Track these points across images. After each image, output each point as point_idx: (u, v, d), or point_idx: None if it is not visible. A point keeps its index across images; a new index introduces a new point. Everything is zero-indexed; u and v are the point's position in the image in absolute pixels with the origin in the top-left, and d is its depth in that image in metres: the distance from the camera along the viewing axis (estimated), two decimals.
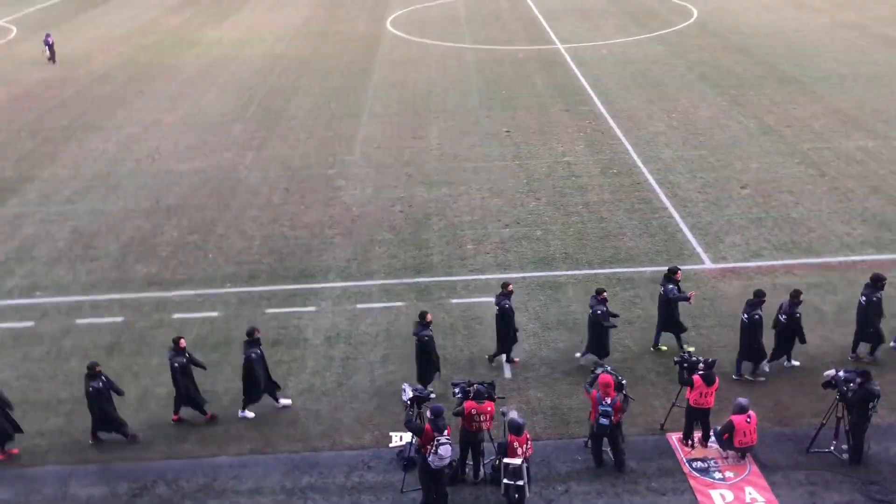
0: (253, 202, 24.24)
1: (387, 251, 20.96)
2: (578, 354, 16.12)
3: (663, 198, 23.09)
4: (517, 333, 15.96)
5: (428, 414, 12.48)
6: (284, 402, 15.22)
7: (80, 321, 18.34)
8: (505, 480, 12.31)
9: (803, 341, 15.33)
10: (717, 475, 13.13)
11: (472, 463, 13.29)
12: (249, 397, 14.91)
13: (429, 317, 15.12)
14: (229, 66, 39.98)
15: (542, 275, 19.43)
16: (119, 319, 18.34)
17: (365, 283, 19.46)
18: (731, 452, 13.32)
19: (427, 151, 27.64)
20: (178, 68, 40.07)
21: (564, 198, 23.48)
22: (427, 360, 15.02)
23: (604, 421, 12.76)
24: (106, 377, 14.31)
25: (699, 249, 20.20)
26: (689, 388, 13.39)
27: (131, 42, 46.11)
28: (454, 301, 18.46)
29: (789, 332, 15.17)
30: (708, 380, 13.27)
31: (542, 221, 22.13)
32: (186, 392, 14.71)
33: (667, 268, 16.41)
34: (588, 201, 23.17)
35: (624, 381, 13.15)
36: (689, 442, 13.73)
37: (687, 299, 15.72)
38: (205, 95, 35.36)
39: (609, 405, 12.74)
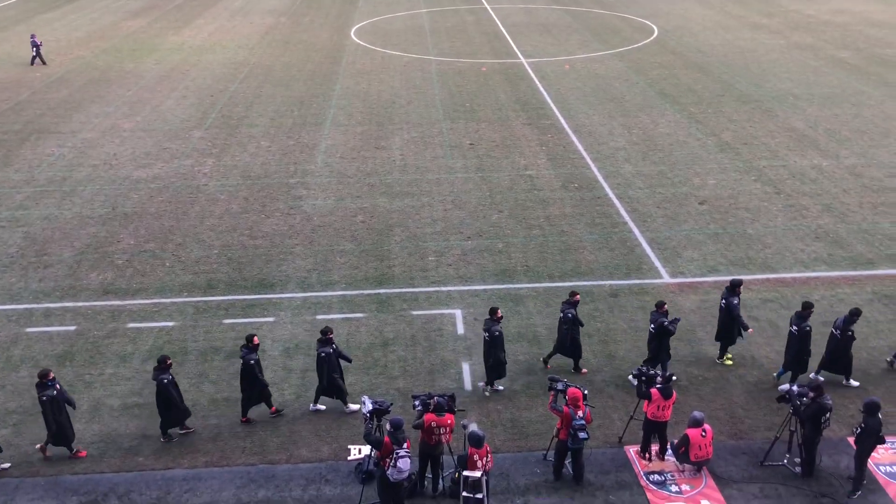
0: (212, 210, 23.93)
1: (348, 262, 20.84)
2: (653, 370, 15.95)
3: (623, 212, 23.36)
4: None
5: (387, 426, 12.39)
6: (319, 406, 15.25)
7: (30, 329, 17.87)
8: (464, 493, 12.26)
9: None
10: (674, 488, 13.25)
11: (431, 476, 13.23)
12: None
13: (499, 313, 15.50)
14: (190, 73, 39.53)
15: (503, 287, 19.49)
16: (72, 328, 17.92)
17: (325, 294, 19.31)
18: (687, 466, 13.46)
19: (390, 162, 27.60)
20: (138, 74, 39.48)
21: (526, 211, 23.62)
22: (498, 355, 15.33)
23: (582, 435, 12.82)
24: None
25: (657, 264, 20.46)
26: (646, 401, 13.52)
27: (90, 46, 45.36)
28: (415, 313, 18.41)
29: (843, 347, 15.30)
30: (665, 393, 13.40)
31: (503, 234, 22.22)
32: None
33: (730, 280, 16.48)
34: (549, 215, 23.34)
35: (587, 393, 13.22)
36: (647, 455, 13.85)
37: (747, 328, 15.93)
38: (164, 101, 34.89)
39: (582, 418, 12.81)
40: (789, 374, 15.58)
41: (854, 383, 15.56)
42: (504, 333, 15.54)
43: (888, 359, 16.17)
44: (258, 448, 14.28)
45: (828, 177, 25.58)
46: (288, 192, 25.18)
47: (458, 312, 18.41)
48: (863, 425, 12.65)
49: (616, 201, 24.11)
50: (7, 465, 13.85)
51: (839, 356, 15.41)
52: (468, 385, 15.90)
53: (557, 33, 47.82)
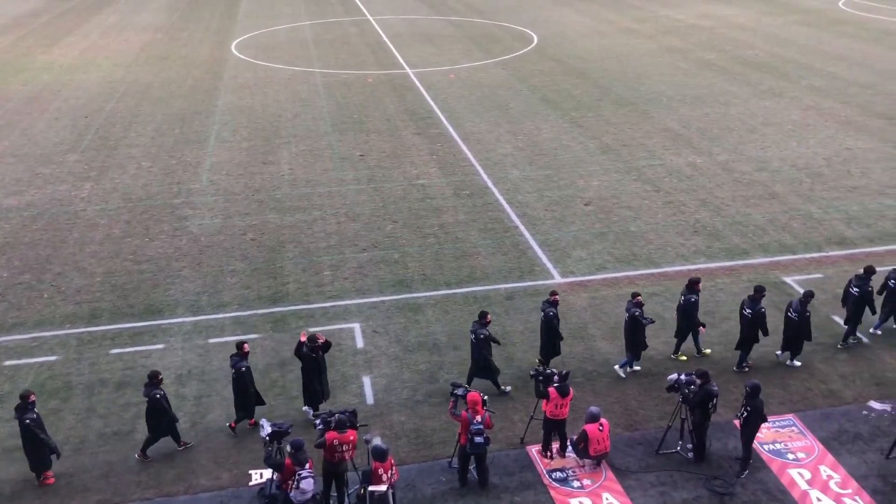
0: (92, 236, 22.86)
1: (239, 281, 20.34)
2: (618, 367, 16.46)
3: (513, 217, 23.84)
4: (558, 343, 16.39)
5: (288, 448, 12.17)
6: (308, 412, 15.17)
7: None
8: None
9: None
10: (576, 484, 13.59)
11: (336, 494, 13.05)
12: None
13: (489, 317, 15.80)
14: (62, 93, 37.67)
15: (401, 297, 19.50)
16: None
17: (217, 317, 18.77)
18: (587, 461, 13.84)
19: (279, 177, 27.15)
20: (4, 95, 37.30)
21: (420, 220, 23.74)
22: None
23: (478, 439, 12.92)
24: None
25: (549, 265, 20.98)
26: (545, 400, 13.82)
27: None
28: (312, 329, 18.10)
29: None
30: (563, 391, 13.74)
31: (399, 244, 22.25)
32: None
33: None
34: (443, 222, 23.54)
35: (486, 398, 13.37)
36: (548, 453, 14.15)
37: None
38: (35, 124, 33.11)
39: (481, 423, 12.93)
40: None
41: (797, 363, 16.53)
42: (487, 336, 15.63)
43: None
44: (153, 481, 13.71)
45: (702, 173, 26.94)
46: (172, 213, 24.36)
47: (356, 326, 18.29)
48: (748, 408, 13.36)
49: (506, 206, 24.58)
50: None
51: (799, 336, 16.24)
52: (370, 399, 15.81)
53: (440, 43, 48.38)
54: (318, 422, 12.87)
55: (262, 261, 21.40)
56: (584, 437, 13.49)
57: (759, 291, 16.28)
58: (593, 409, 13.67)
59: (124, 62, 44.01)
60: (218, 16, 59.47)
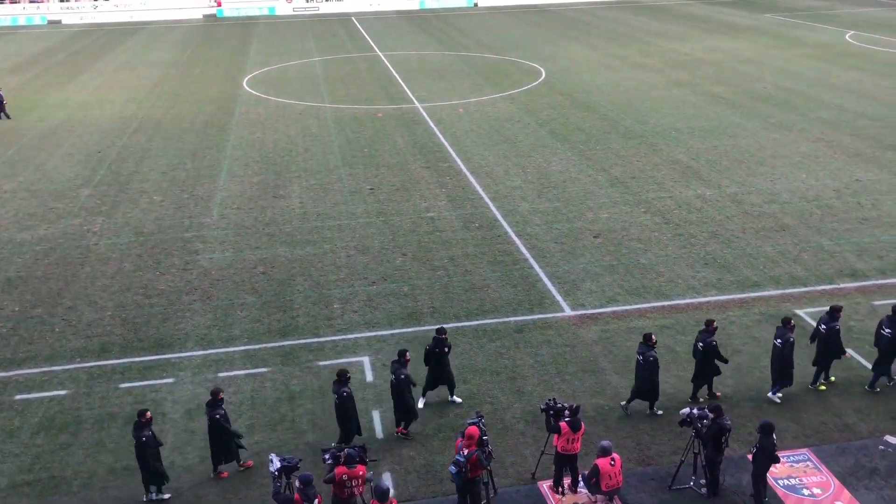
0: (103, 270, 22.99)
1: (249, 315, 20.36)
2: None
3: (523, 249, 23.85)
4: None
5: (297, 483, 12.07)
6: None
7: None
8: None
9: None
10: None
11: None
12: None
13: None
14: (76, 129, 38.17)
15: (411, 330, 19.45)
16: None
17: (227, 350, 18.77)
18: (599, 496, 13.65)
19: (289, 210, 27.31)
20: (18, 132, 37.83)
21: (430, 253, 23.78)
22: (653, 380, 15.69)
23: (451, 469, 12.84)
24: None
25: (559, 297, 20.92)
26: (556, 434, 13.69)
27: None
28: (322, 363, 18.11)
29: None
30: (574, 426, 13.61)
31: (408, 277, 22.26)
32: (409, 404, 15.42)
33: (829, 307, 16.81)
34: (453, 255, 23.57)
35: (486, 438, 13.14)
36: (560, 489, 13.98)
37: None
38: (49, 160, 33.51)
39: (464, 457, 12.79)
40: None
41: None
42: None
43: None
44: None
45: (712, 205, 26.92)
46: (183, 247, 24.50)
47: (365, 359, 18.24)
48: (758, 445, 13.20)
49: (516, 238, 24.60)
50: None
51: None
52: (380, 433, 15.70)
53: (450, 78, 48.86)
54: (327, 456, 12.78)
55: (271, 294, 21.44)
56: (595, 471, 13.32)
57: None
58: (605, 443, 13.50)
59: (137, 98, 44.62)
60: (230, 52, 60.35)
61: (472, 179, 30.03)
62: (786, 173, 29.76)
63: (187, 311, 20.59)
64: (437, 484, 14.25)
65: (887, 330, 16.26)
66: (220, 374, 17.69)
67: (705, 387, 16.49)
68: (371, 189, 29.25)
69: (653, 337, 15.82)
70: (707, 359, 16.07)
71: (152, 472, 13.86)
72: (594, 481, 13.38)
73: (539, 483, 14.21)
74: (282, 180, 30.44)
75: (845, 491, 13.79)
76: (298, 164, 32.27)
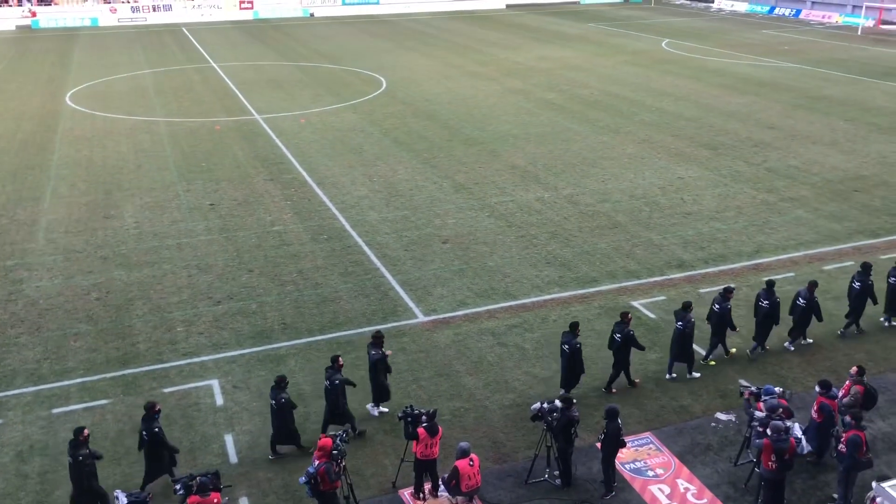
0: None
1: (84, 345, 19.06)
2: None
3: (374, 258, 23.84)
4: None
5: None
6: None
7: None
8: None
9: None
10: None
11: None
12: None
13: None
14: None
15: (262, 349, 18.93)
16: None
17: (61, 384, 17.46)
18: (459, 498, 13.84)
19: (123, 231, 25.84)
20: None
21: (277, 267, 23.25)
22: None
23: (300, 479, 12.87)
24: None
25: (411, 304, 21.07)
26: (415, 441, 13.76)
27: None
28: (167, 390, 17.24)
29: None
30: (431, 430, 13.74)
31: (256, 294, 21.66)
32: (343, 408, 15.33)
33: (722, 288, 18.35)
34: (302, 269, 23.17)
35: (335, 451, 12.93)
36: (421, 495, 14.06)
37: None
38: None
39: (313, 469, 12.70)
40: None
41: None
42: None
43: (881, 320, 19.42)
44: None
45: (550, 207, 28.09)
46: (6, 277, 22.59)
47: (214, 382, 17.55)
48: (605, 431, 13.89)
49: (366, 248, 24.56)
50: None
51: (805, 321, 18.47)
52: (233, 458, 15.15)
53: (289, 88, 48.10)
54: (178, 486, 12.18)
55: (108, 321, 20.18)
56: (455, 473, 13.50)
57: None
58: (463, 444, 13.71)
59: None
60: (48, 66, 56.43)
61: (318, 190, 29.68)
62: (615, 174, 31.58)
63: (13, 346, 18.99)
64: (297, 503, 13.93)
65: (765, 302, 18.26)
66: (55, 411, 16.44)
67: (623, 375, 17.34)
68: (211, 204, 28.23)
69: (579, 327, 16.80)
70: (625, 349, 17.00)
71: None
72: (454, 483, 13.56)
73: (400, 491, 14.22)
74: (113, 199, 28.76)
75: (685, 468, 14.78)
76: (131, 182, 30.62)
